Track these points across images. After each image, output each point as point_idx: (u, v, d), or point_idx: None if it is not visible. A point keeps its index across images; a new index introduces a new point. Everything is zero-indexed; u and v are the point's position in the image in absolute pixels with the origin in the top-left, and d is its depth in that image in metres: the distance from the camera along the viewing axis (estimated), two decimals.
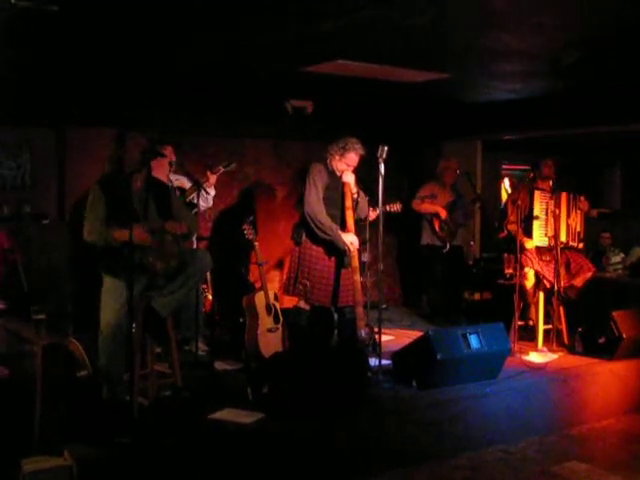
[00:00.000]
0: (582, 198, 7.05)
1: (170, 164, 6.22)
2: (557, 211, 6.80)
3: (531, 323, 7.07)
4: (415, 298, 9.50)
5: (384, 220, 5.81)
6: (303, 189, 6.18)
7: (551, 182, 7.10)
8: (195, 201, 6.28)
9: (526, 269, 6.81)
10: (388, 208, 6.79)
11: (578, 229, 6.98)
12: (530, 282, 6.90)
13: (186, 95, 7.65)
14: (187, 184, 6.63)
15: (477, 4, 4.58)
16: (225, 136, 8.38)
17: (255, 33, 5.34)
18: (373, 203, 6.24)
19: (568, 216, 6.91)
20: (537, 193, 6.89)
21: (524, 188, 7.09)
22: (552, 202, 6.87)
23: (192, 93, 7.65)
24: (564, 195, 6.94)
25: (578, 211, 6.99)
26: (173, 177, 6.58)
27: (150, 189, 4.88)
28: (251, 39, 5.50)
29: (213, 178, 6.65)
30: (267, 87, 7.55)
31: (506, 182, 11.16)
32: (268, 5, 4.60)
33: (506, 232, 7.13)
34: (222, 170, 6.73)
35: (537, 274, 6.85)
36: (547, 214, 6.86)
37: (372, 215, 6.40)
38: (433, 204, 8.32)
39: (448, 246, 8.35)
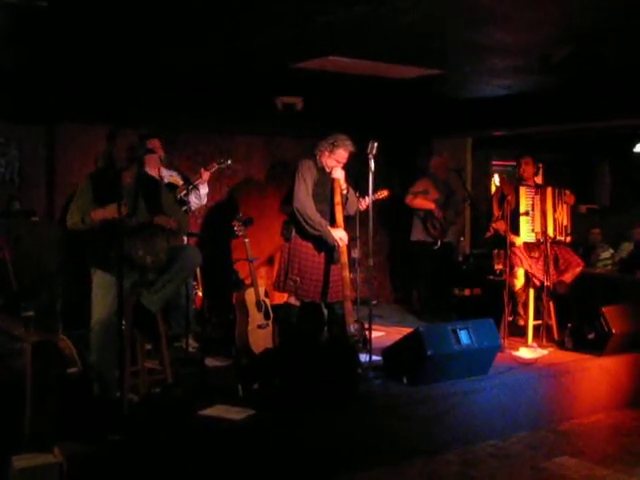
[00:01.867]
0: (567, 192, 7.06)
1: (160, 159, 6.21)
2: (544, 206, 6.81)
3: (521, 323, 7.08)
4: (405, 294, 9.52)
5: (374, 215, 5.82)
6: (291, 189, 6.18)
7: (533, 177, 7.11)
8: (185, 198, 6.27)
9: (515, 269, 6.82)
10: (375, 196, 6.77)
11: (565, 223, 6.98)
12: (520, 282, 6.90)
13: (177, 92, 7.64)
14: (180, 181, 6.60)
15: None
16: (216, 133, 8.38)
17: (247, 30, 5.33)
18: (363, 193, 6.26)
19: (554, 210, 6.91)
20: (522, 189, 6.89)
21: (510, 185, 7.10)
22: (538, 197, 6.88)
23: (183, 90, 7.64)
24: (549, 190, 6.95)
25: (564, 205, 6.99)
26: (167, 173, 6.56)
27: (140, 185, 4.88)
28: (243, 36, 5.49)
29: (206, 175, 6.60)
30: (258, 84, 7.54)
31: (496, 178, 11.19)
32: (260, 2, 4.60)
33: (492, 231, 7.15)
34: (216, 167, 6.69)
35: (527, 273, 6.87)
36: (533, 209, 6.86)
37: (362, 205, 6.39)
38: (426, 200, 8.34)
39: (439, 243, 8.37)
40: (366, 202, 6.29)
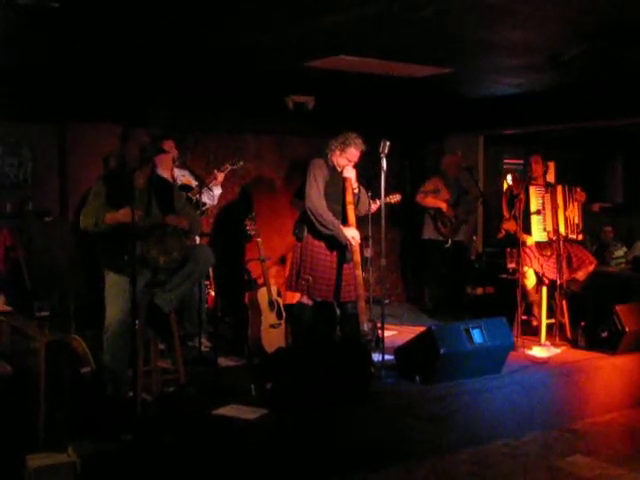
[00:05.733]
0: (578, 189, 7.01)
1: (173, 160, 6.22)
2: (554, 204, 6.79)
3: (534, 323, 7.07)
4: (418, 293, 9.51)
5: (386, 214, 5.82)
6: (303, 185, 6.18)
7: (544, 176, 7.09)
8: (200, 200, 6.30)
9: (525, 268, 6.80)
10: (388, 199, 6.78)
11: (576, 221, 6.94)
12: (531, 282, 6.89)
13: (189, 91, 7.65)
14: (193, 181, 6.63)
15: None
16: (227, 132, 8.38)
17: (258, 29, 5.34)
18: (374, 196, 6.26)
19: (565, 208, 6.87)
20: (532, 188, 6.86)
21: (520, 184, 7.08)
22: (548, 196, 6.85)
23: (195, 89, 7.65)
24: (559, 188, 6.91)
25: (575, 203, 6.95)
26: (179, 172, 6.59)
27: (152, 186, 4.88)
28: (254, 35, 5.50)
29: (221, 176, 6.70)
30: (269, 83, 7.55)
31: (509, 178, 11.14)
32: (271, 1, 4.61)
33: (503, 232, 7.14)
34: (229, 168, 6.77)
35: (537, 273, 6.86)
36: (544, 208, 6.84)
37: (373, 207, 6.41)
38: (436, 199, 8.32)
39: (450, 242, 8.35)
40: (377, 204, 6.30)
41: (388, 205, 6.67)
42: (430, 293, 8.90)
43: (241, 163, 6.93)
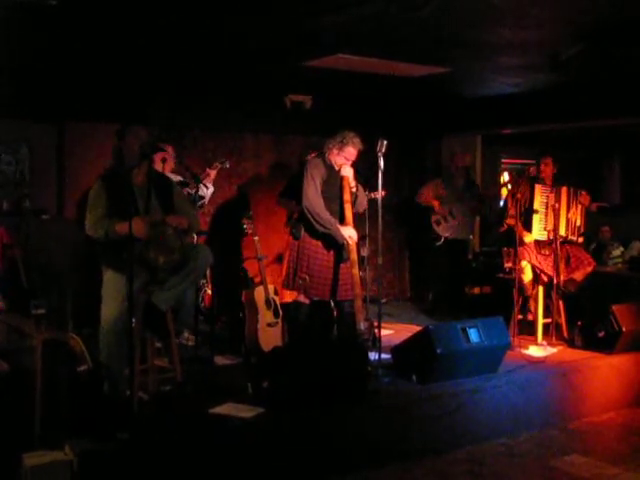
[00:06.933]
0: (584, 193, 7.03)
1: (162, 161, 6.19)
2: (557, 205, 6.80)
3: (530, 317, 7.08)
4: (418, 292, 9.51)
5: (383, 212, 5.82)
6: (290, 184, 6.19)
7: (552, 178, 7.09)
8: (197, 194, 6.34)
9: (523, 263, 6.82)
10: (372, 195, 6.74)
11: (578, 223, 6.97)
12: (527, 276, 6.90)
13: (187, 90, 7.65)
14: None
15: None
16: (225, 131, 8.39)
17: (256, 29, 5.34)
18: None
19: (568, 210, 6.90)
20: (538, 187, 6.89)
21: (524, 182, 7.09)
22: (552, 196, 6.87)
23: (193, 88, 7.65)
24: (564, 189, 6.93)
25: (579, 205, 6.97)
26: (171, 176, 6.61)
27: (152, 182, 4.87)
28: (252, 35, 5.50)
29: (213, 173, 6.82)
30: (267, 82, 7.55)
31: (505, 176, 11.15)
32: (269, 1, 4.61)
33: (506, 226, 7.15)
34: (219, 166, 6.90)
35: (534, 268, 6.87)
36: (547, 208, 6.86)
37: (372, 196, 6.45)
38: (432, 197, 8.33)
39: (442, 239, 8.34)
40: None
41: (373, 200, 6.64)
42: (431, 292, 8.91)
43: (227, 165, 7.06)
